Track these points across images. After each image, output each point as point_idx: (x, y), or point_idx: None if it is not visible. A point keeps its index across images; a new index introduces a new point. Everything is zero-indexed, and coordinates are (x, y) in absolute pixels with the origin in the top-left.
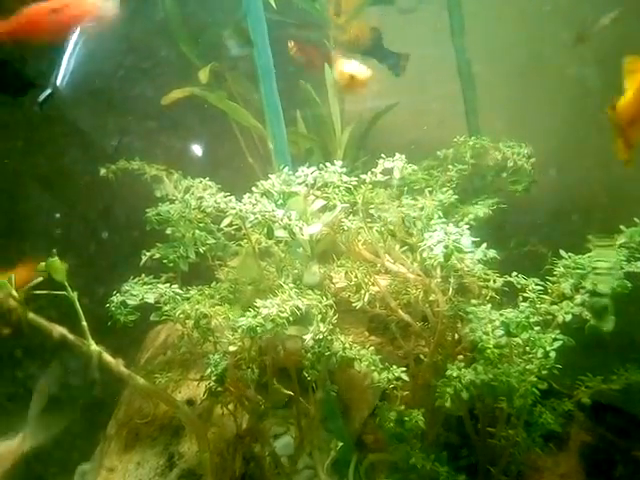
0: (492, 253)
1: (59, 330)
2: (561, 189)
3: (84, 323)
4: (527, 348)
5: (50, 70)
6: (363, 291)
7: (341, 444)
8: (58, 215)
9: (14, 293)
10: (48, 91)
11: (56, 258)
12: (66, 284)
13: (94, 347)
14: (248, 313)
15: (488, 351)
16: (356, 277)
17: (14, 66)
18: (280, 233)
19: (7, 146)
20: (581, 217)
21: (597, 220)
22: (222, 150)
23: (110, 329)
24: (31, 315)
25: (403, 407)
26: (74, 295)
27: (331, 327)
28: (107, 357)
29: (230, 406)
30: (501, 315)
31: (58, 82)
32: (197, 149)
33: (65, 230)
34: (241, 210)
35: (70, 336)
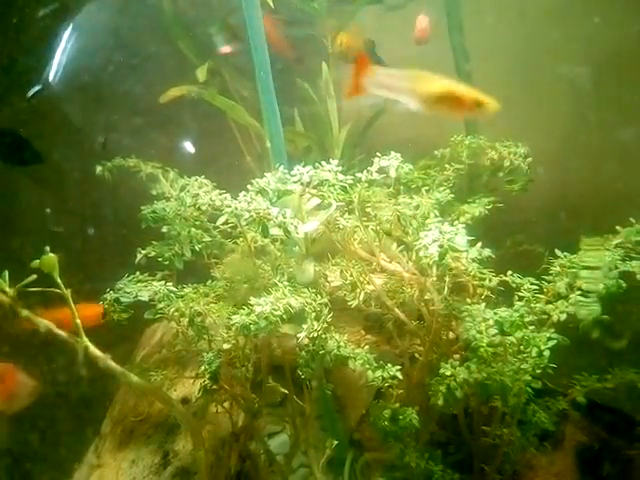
0: (487, 252)
1: (45, 323)
2: (557, 188)
3: (78, 321)
4: (521, 347)
5: (40, 66)
6: (358, 290)
7: (336, 442)
8: (48, 211)
9: (6, 289)
10: (37, 87)
11: (50, 254)
12: (59, 281)
13: (86, 343)
14: (242, 311)
15: (481, 350)
16: (351, 276)
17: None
18: (275, 231)
19: None
20: (577, 216)
21: (593, 219)
22: (219, 148)
23: (102, 326)
24: (25, 312)
25: (398, 405)
26: (67, 292)
27: (326, 325)
28: (97, 352)
29: (225, 404)
30: (495, 314)
31: (50, 78)
32: (194, 146)
33: (56, 226)
34: (236, 208)
35: (61, 332)
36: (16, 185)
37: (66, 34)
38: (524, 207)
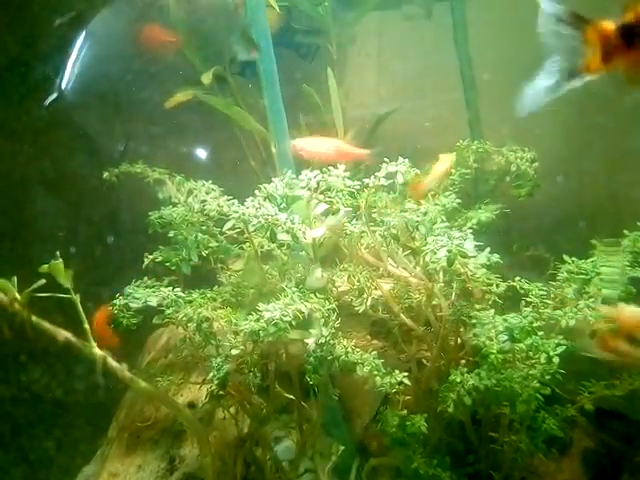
0: (495, 257)
1: (63, 334)
2: (565, 194)
3: (86, 326)
4: (530, 353)
5: (56, 74)
6: (366, 295)
7: (343, 449)
8: (63, 219)
9: (18, 296)
10: (54, 95)
11: (60, 260)
12: (69, 287)
13: (97, 350)
14: (251, 317)
15: (492, 356)
16: (359, 281)
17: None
18: (283, 237)
19: (14, 150)
20: (585, 222)
21: (601, 225)
22: (225, 154)
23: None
24: (35, 318)
25: (405, 412)
26: (77, 298)
27: (333, 331)
28: (110, 360)
29: (232, 410)
30: (505, 320)
31: (63, 86)
32: (201, 153)
33: (71, 233)
34: (244, 214)
35: (74, 339)
36: (30, 191)
37: (81, 42)
38: (532, 213)
